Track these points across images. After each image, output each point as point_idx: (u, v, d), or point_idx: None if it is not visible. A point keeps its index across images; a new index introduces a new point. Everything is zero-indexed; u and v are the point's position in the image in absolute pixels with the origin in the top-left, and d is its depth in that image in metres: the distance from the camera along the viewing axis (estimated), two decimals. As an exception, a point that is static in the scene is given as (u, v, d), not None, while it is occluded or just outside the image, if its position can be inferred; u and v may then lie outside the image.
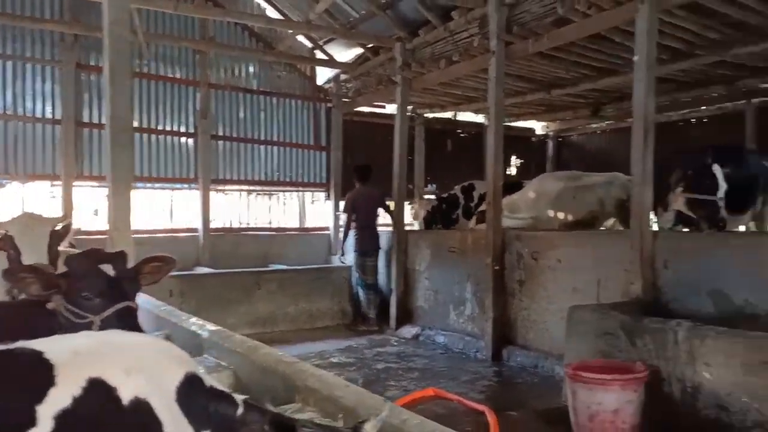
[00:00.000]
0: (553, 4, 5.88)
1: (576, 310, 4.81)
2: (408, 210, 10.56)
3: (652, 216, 7.25)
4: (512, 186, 8.34)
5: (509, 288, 6.74)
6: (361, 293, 8.77)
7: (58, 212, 8.24)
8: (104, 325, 2.23)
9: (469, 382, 5.88)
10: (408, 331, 8.14)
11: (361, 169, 8.82)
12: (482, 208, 8.20)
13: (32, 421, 1.31)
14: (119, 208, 4.52)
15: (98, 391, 1.43)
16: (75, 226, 8.00)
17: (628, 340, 4.28)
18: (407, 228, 9.14)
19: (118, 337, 1.74)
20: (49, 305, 2.27)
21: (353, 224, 8.64)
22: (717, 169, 5.57)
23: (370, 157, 9.55)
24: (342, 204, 10.28)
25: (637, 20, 5.08)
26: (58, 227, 3.65)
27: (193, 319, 4.78)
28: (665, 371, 4.04)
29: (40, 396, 1.35)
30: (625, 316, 4.41)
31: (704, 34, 6.30)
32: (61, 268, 3.52)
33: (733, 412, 3.65)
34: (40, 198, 8.43)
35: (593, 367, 4.15)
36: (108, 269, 2.30)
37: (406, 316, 8.33)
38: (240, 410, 1.70)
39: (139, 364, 1.55)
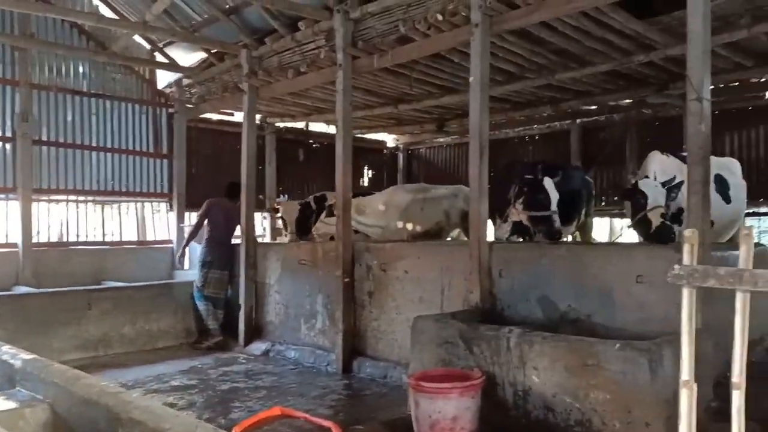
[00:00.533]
0: (396, 23, 6.04)
1: (419, 320, 4.92)
2: (259, 221, 10.33)
3: (490, 226, 7.72)
4: (364, 196, 8.48)
5: (359, 299, 6.78)
6: (200, 306, 8.35)
7: None
8: None
9: (319, 397, 5.80)
10: (257, 347, 7.89)
11: (233, 187, 8.48)
12: (323, 217, 8.30)
13: None
14: None
15: None
16: None
17: (467, 348, 4.45)
18: (260, 240, 8.90)
19: None
20: None
21: (206, 235, 8.25)
22: (548, 182, 5.99)
23: (218, 166, 9.22)
24: (187, 215, 9.79)
25: (472, 43, 5.35)
26: None
27: (6, 347, 4.24)
28: (499, 376, 4.25)
29: None
30: (463, 325, 4.59)
31: (532, 59, 6.82)
32: None
33: (558, 413, 3.92)
34: None
35: (434, 376, 4.27)
36: None
37: (255, 331, 8.08)
38: None
39: None
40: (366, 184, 12.70)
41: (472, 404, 4.07)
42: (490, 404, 4.21)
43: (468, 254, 5.46)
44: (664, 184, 5.46)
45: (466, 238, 7.73)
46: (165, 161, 9.83)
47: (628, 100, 9.08)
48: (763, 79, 8.15)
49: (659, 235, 5.21)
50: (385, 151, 13.33)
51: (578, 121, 10.36)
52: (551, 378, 3.96)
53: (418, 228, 8.09)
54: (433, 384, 4.05)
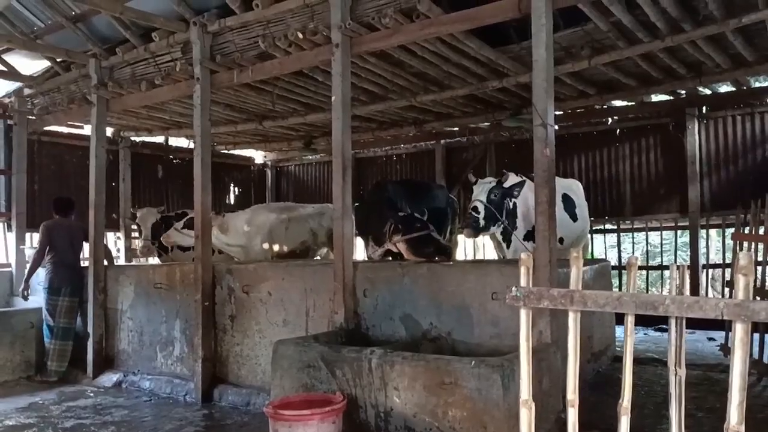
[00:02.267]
0: (256, 38, 5.90)
1: (280, 345, 4.77)
2: (113, 242, 9.64)
3: (359, 245, 7.75)
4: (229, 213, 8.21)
5: (220, 324, 6.47)
6: (46, 340, 7.59)
7: None
8: None
9: (174, 430, 5.43)
10: (108, 378, 7.28)
11: (61, 201, 7.79)
12: (178, 226, 8.01)
13: None
14: None
15: None
16: None
17: (329, 371, 4.37)
18: (113, 262, 8.24)
19: None
20: None
21: (48, 259, 7.51)
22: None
23: (65, 183, 8.48)
24: (29, 236, 8.92)
25: (333, 63, 5.34)
26: None
27: None
28: (361, 399, 4.20)
29: None
30: (325, 347, 4.50)
31: (394, 80, 6.97)
32: None
33: (418, 432, 3.94)
34: None
35: (295, 402, 4.15)
36: None
37: (106, 362, 7.45)
38: None
39: None
40: (233, 201, 12.31)
41: (333, 429, 3.99)
42: (352, 428, 4.15)
43: (332, 274, 5.41)
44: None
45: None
46: (2, 177, 8.88)
47: (486, 123, 9.57)
48: (605, 106, 8.95)
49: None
50: (252, 167, 13.02)
51: (442, 141, 10.77)
52: (411, 398, 3.97)
53: (285, 248, 7.95)
54: (292, 411, 3.93)
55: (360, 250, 8.09)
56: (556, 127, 4.96)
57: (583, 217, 7.50)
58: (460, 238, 8.49)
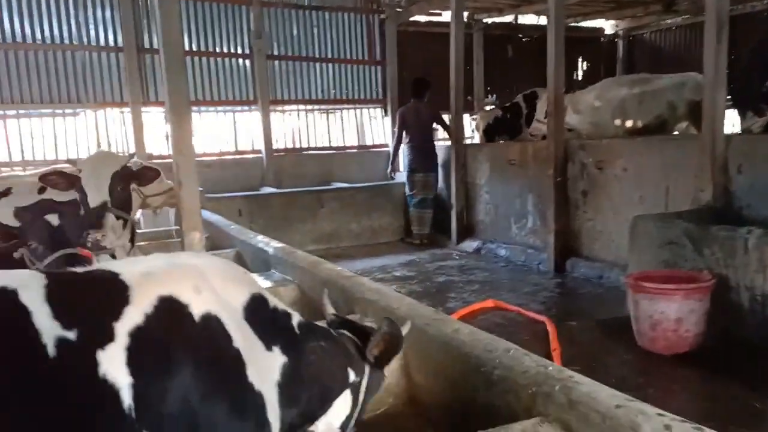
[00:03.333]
0: None
1: (639, 220, 4.68)
2: (468, 122, 10.38)
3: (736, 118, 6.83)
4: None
5: (572, 199, 6.60)
6: (411, 211, 8.81)
7: (129, 138, 8.62)
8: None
9: (531, 293, 5.91)
10: (469, 245, 8.18)
11: (416, 83, 8.66)
12: (538, 116, 8.00)
13: (111, 337, 1.41)
14: (180, 133, 4.63)
15: (169, 307, 1.52)
16: (147, 151, 8.40)
17: (694, 249, 4.15)
18: (467, 141, 8.99)
19: (187, 258, 1.82)
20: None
21: (405, 141, 8.59)
22: None
23: (427, 70, 9.28)
24: (399, 119, 10.19)
25: None
26: (131, 163, 3.61)
27: (260, 237, 5.00)
28: (733, 280, 3.93)
29: (117, 314, 1.45)
30: (691, 225, 4.26)
31: None
32: (135, 209, 3.65)
33: (804, 321, 3.54)
34: (111, 125, 8.77)
35: (655, 277, 4.09)
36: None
37: (466, 230, 8.35)
38: (298, 327, 1.83)
39: (208, 282, 1.63)
40: (580, 78, 11.91)
41: (699, 307, 3.85)
42: (720, 308, 3.94)
43: (698, 149, 4.96)
44: None
45: (694, 132, 6.99)
46: (378, 68, 10.21)
47: None
48: None
49: None
50: (602, 39, 12.25)
51: None
52: (796, 283, 3.55)
53: (638, 123, 7.48)
54: (655, 284, 3.89)
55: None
56: None
57: None
58: None
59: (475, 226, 8.29)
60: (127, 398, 1.38)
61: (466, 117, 9.79)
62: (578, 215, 6.56)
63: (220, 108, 9.33)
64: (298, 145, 10.06)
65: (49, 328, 1.35)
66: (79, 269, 1.61)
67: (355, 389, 1.90)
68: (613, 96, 7.60)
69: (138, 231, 4.19)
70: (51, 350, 1.33)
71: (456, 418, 2.23)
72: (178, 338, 1.51)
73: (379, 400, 3.03)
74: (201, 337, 1.54)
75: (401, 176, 9.10)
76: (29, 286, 1.41)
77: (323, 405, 1.85)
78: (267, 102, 9.27)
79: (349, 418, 1.91)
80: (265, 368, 1.67)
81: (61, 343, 1.35)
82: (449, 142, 8.66)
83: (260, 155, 9.39)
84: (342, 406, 1.88)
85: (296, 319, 1.86)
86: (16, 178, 5.04)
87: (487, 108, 10.25)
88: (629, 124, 7.50)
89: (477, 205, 8.23)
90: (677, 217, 4.58)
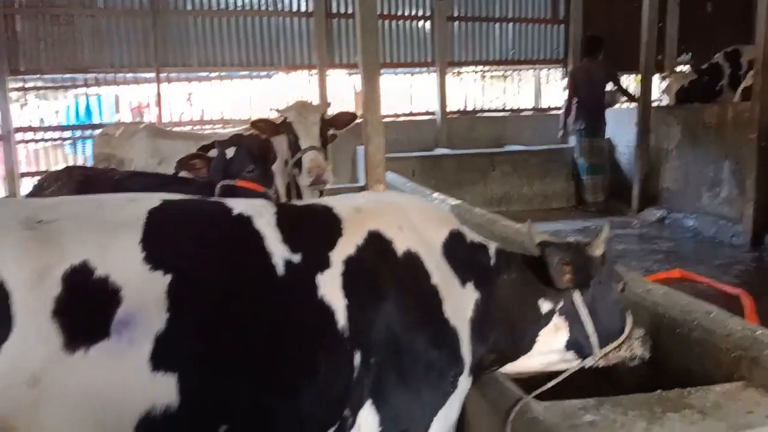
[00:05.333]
0: None
1: None
2: (657, 84, 9.69)
3: None
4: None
5: (777, 166, 5.97)
6: (583, 176, 8.46)
7: (314, 99, 9.25)
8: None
9: (723, 266, 5.50)
10: (651, 213, 7.73)
11: (588, 41, 8.27)
12: (747, 83, 7.17)
13: (327, 264, 1.59)
14: (369, 92, 4.91)
15: (377, 242, 1.67)
16: (330, 111, 9.00)
17: None
18: (654, 104, 8.40)
19: (392, 197, 1.98)
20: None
21: (575, 102, 8.24)
22: None
23: (613, 28, 8.77)
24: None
25: None
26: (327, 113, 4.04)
27: (436, 194, 5.20)
28: None
29: (332, 243, 1.63)
30: None
31: None
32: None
33: None
34: (299, 86, 9.44)
35: None
36: (230, 152, 2.82)
37: (649, 198, 7.89)
38: (493, 260, 1.92)
39: (410, 221, 1.77)
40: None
41: None
42: None
43: None
44: None
45: None
46: (561, 27, 9.84)
47: None
48: None
49: None
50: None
51: None
52: None
53: None
54: None
55: None
56: None
57: None
58: None
59: (659, 194, 7.80)
60: (341, 319, 1.54)
61: (656, 78, 9.13)
62: (783, 184, 5.92)
63: (399, 70, 9.62)
64: (471, 108, 10.08)
65: (279, 251, 1.54)
66: (299, 202, 1.84)
67: (563, 314, 1.94)
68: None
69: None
70: (280, 270, 1.51)
71: (643, 383, 2.18)
72: (384, 270, 1.65)
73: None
74: (403, 272, 1.68)
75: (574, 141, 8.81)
76: (262, 214, 1.60)
77: (516, 343, 1.94)
78: (444, 64, 9.39)
79: (573, 339, 1.97)
80: (459, 304, 1.78)
81: (288, 264, 1.53)
82: (627, 105, 8.17)
83: (434, 117, 9.57)
84: (551, 337, 1.96)
85: (492, 249, 1.94)
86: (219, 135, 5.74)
87: (681, 68, 9.44)
88: None
89: (663, 172, 7.72)
90: None
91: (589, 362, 2.04)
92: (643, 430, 1.82)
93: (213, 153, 3.07)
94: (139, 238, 1.38)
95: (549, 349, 1.99)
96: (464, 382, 1.80)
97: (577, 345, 1.99)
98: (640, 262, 5.75)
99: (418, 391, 1.66)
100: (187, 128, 8.47)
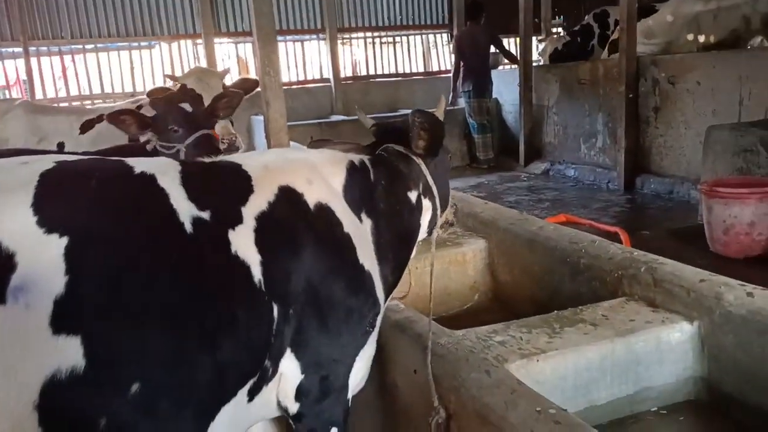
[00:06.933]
0: None
1: (713, 130, 4.73)
2: (535, 46, 10.24)
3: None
4: (647, 11, 7.78)
5: (643, 116, 6.62)
6: (473, 136, 8.90)
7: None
8: (188, 152, 2.79)
9: (601, 209, 6.08)
10: (537, 166, 8.30)
11: (471, 6, 8.61)
12: (614, 36, 7.80)
13: (239, 219, 1.59)
14: (266, 55, 4.86)
15: (288, 197, 1.70)
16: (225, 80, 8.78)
17: (769, 156, 4.21)
18: (534, 64, 8.93)
19: (295, 153, 1.99)
20: (148, 146, 2.84)
21: (463, 66, 8.59)
22: None
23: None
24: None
25: None
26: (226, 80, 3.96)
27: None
28: (809, 184, 3.99)
29: (243, 200, 1.63)
30: (766, 131, 4.30)
31: None
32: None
33: None
34: (184, 57, 9.12)
35: (729, 183, 4.18)
36: (186, 107, 2.82)
37: (534, 152, 8.44)
38: (372, 175, 1.95)
39: (318, 173, 1.81)
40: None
41: (773, 211, 3.94)
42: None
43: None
44: None
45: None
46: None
47: None
48: None
49: None
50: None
51: None
52: None
53: (711, 39, 7.31)
54: (729, 189, 4.00)
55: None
56: None
57: None
58: None
59: (543, 148, 8.37)
60: (257, 274, 1.55)
61: (534, 40, 9.66)
62: (649, 131, 6.58)
63: (288, 37, 9.53)
64: (363, 73, 10.20)
65: (185, 209, 1.49)
66: (206, 159, 1.78)
67: (424, 193, 2.03)
68: (688, 11, 7.40)
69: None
70: (188, 227, 1.47)
71: (541, 309, 2.45)
72: (297, 224, 1.69)
73: (465, 297, 3.35)
74: (316, 224, 1.72)
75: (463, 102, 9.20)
76: (166, 172, 1.56)
77: (410, 245, 2.04)
78: (335, 30, 9.40)
79: (433, 218, 2.09)
80: (366, 244, 1.84)
81: (196, 221, 1.49)
82: (510, 66, 8.62)
83: (328, 84, 9.61)
84: (425, 220, 2.07)
85: (367, 163, 1.96)
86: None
87: (555, 30, 10.04)
88: (702, 39, 7.33)
89: (544, 127, 8.28)
90: (752, 125, 4.61)
91: (436, 231, 2.15)
92: (546, 343, 2.09)
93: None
94: (30, 202, 1.33)
95: (422, 231, 2.10)
96: (380, 316, 1.88)
97: (433, 222, 2.11)
98: (530, 211, 6.17)
99: (338, 336, 1.72)
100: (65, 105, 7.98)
